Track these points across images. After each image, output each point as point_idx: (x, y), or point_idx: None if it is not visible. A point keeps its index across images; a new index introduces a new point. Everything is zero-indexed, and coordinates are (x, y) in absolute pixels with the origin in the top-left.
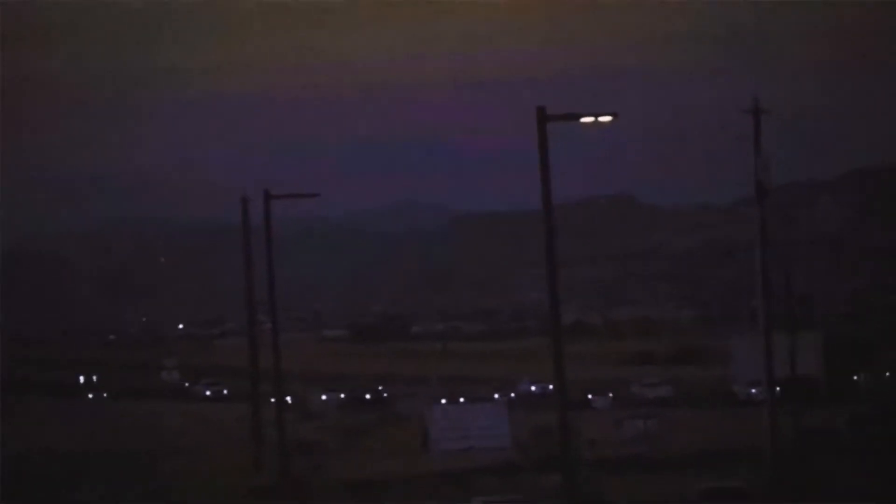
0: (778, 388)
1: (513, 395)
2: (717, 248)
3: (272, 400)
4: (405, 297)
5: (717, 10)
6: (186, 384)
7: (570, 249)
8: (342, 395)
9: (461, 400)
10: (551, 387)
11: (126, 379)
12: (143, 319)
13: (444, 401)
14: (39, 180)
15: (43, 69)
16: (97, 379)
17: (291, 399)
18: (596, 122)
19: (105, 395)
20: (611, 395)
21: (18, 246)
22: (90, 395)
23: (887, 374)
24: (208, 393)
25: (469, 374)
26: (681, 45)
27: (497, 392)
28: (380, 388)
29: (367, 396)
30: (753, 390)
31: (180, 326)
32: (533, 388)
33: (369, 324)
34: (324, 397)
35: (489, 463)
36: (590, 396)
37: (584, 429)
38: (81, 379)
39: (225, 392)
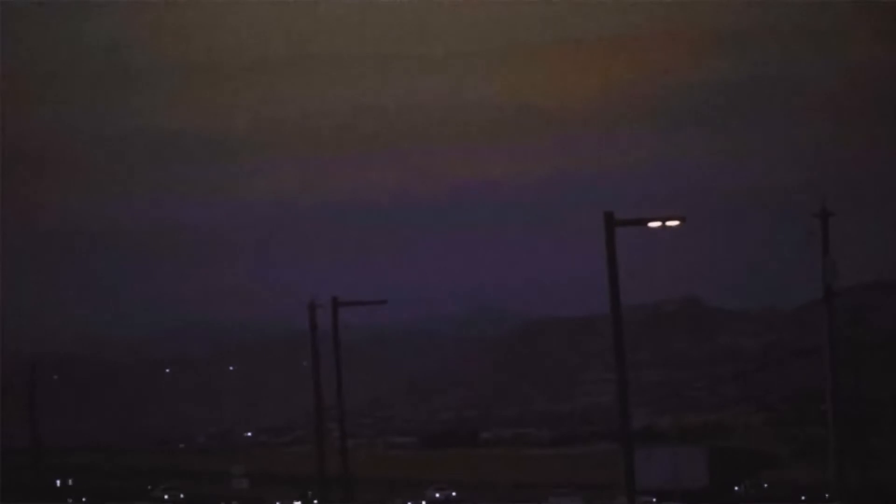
0: (654, 500)
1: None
2: (786, 349)
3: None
4: (475, 404)
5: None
6: (148, 487)
7: (640, 353)
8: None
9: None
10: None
11: (193, 486)
12: (211, 429)
13: None
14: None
15: None
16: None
17: None
18: (664, 226)
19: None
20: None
21: (91, 351)
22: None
23: (765, 485)
24: (166, 497)
25: (535, 480)
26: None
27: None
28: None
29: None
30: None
31: (248, 434)
32: (437, 494)
33: (438, 430)
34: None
35: None
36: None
37: None
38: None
39: (181, 496)
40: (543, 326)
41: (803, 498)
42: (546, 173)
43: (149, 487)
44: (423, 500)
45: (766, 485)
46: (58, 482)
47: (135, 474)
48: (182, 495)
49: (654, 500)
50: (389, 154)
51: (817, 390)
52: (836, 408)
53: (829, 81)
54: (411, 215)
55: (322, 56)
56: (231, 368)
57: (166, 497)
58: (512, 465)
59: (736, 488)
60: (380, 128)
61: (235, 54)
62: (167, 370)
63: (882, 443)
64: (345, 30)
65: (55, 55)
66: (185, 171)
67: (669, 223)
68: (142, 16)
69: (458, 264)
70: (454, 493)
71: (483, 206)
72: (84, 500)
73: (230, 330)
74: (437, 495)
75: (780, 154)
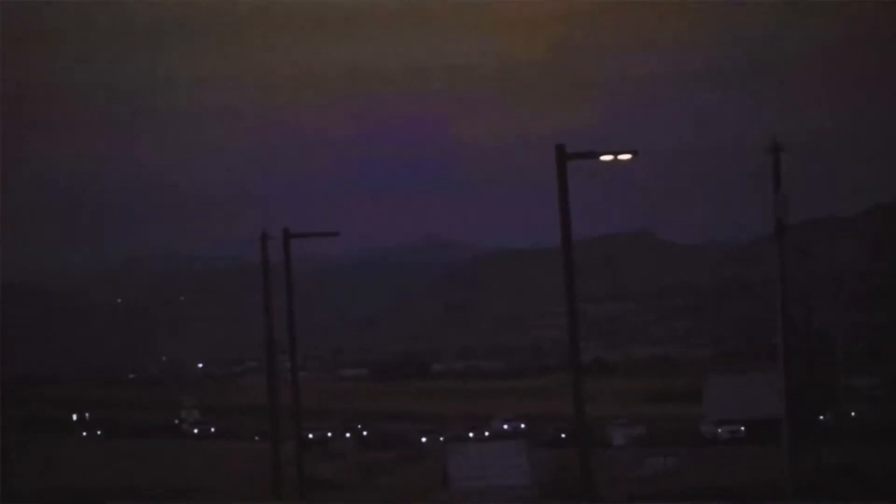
0: (742, 429)
1: (486, 433)
2: (737, 285)
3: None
4: (425, 335)
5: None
6: (176, 421)
7: (591, 287)
8: (364, 434)
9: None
10: (522, 425)
11: (145, 418)
12: (163, 358)
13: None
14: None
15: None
16: (113, 417)
17: (312, 437)
18: (615, 159)
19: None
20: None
21: (28, 281)
22: (98, 433)
23: (852, 413)
24: (196, 431)
25: (488, 413)
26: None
27: (471, 430)
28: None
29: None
30: (720, 430)
31: (200, 365)
32: (505, 426)
33: (389, 362)
34: (347, 435)
35: (508, 501)
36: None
37: (605, 466)
38: (81, 417)
39: (213, 430)
40: (495, 258)
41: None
42: (513, 127)
43: (176, 421)
44: (488, 430)
45: (853, 413)
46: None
47: (83, 406)
48: (213, 429)
49: (742, 428)
50: (365, 101)
51: (768, 324)
52: (787, 342)
53: (813, 40)
54: (374, 159)
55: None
56: (182, 298)
57: (196, 431)
58: (463, 396)
59: (821, 417)
60: (347, 77)
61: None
62: (118, 300)
63: (831, 375)
64: None
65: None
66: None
67: (622, 157)
68: None
69: (414, 202)
70: (522, 426)
71: (452, 158)
72: (98, 433)
73: (185, 260)
74: (505, 426)
75: (752, 108)
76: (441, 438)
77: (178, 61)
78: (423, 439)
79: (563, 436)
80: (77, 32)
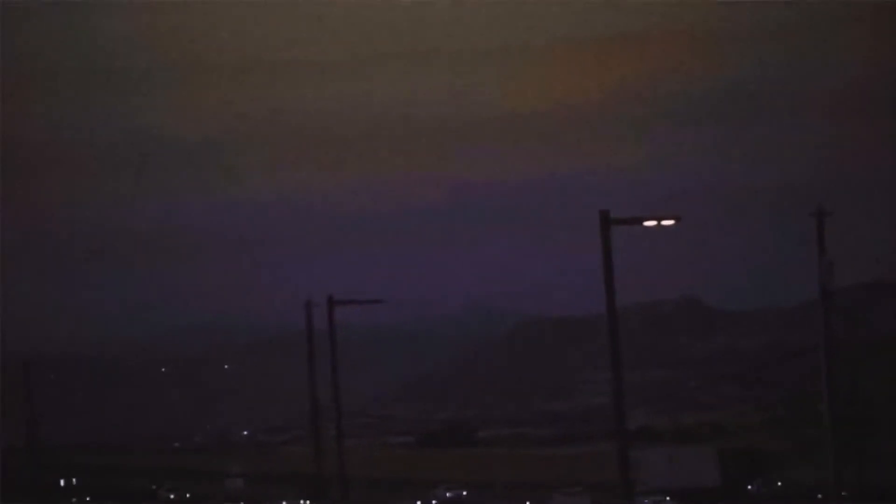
0: (668, 499)
1: (434, 502)
2: (784, 349)
3: None
4: (472, 403)
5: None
6: (153, 487)
7: (637, 353)
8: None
9: None
10: (465, 493)
11: (190, 485)
12: (208, 427)
13: None
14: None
15: None
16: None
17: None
18: (659, 225)
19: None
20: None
21: (91, 352)
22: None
23: (779, 483)
24: (171, 497)
25: (535, 479)
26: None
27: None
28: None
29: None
30: (645, 501)
31: (245, 433)
32: (448, 494)
33: (435, 430)
34: None
35: None
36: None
37: None
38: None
39: (188, 496)
40: (541, 326)
41: (819, 496)
42: (544, 175)
43: (153, 487)
44: (433, 499)
45: (779, 483)
46: (62, 482)
47: (132, 474)
48: (188, 495)
49: (668, 499)
50: (385, 155)
51: (815, 391)
52: (832, 408)
53: (830, 81)
54: (410, 216)
55: (318, 57)
56: (226, 367)
57: (171, 497)
58: (510, 464)
59: (749, 487)
60: (374, 128)
61: (230, 56)
62: (163, 369)
63: (880, 443)
64: (340, 30)
65: (54, 53)
66: (182, 171)
67: (665, 222)
68: (140, 17)
69: (455, 264)
70: (465, 493)
71: (481, 208)
72: (88, 499)
73: (229, 329)
74: (448, 494)
75: (780, 154)
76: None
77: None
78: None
79: None
80: (88, 74)
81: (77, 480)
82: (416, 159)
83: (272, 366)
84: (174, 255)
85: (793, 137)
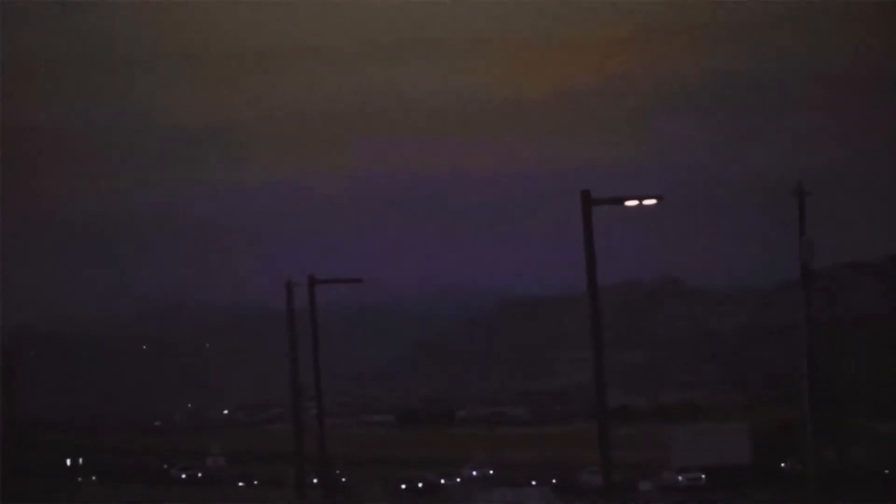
0: (703, 476)
1: (458, 479)
2: (764, 330)
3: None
4: (451, 382)
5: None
6: (164, 466)
7: (617, 333)
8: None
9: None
10: (491, 472)
11: (149, 463)
12: (189, 406)
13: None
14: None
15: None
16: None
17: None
18: (640, 205)
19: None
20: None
21: (73, 330)
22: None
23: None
24: (183, 476)
25: (513, 459)
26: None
27: (443, 477)
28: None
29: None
30: (679, 477)
31: (225, 412)
32: (474, 472)
33: (414, 408)
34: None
35: None
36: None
37: None
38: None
39: (199, 475)
40: (521, 306)
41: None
42: (532, 165)
43: (165, 466)
44: (459, 477)
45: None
46: (68, 461)
47: (106, 453)
48: (200, 474)
49: (703, 476)
50: (378, 143)
51: (794, 370)
52: (812, 387)
53: (823, 75)
54: (394, 200)
55: (316, 48)
56: (207, 346)
57: (184, 476)
58: (489, 443)
59: (783, 465)
60: (368, 117)
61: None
62: (144, 347)
63: (859, 422)
64: (338, 23)
65: (59, 47)
66: (184, 160)
67: (646, 202)
68: (144, 10)
69: (438, 248)
70: (491, 472)
71: (469, 196)
72: (93, 478)
73: (212, 310)
74: (475, 473)
75: (767, 144)
76: (442, 480)
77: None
78: (442, 480)
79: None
80: (86, 63)
81: (61, 458)
82: (412, 149)
83: (253, 345)
84: (163, 238)
85: (782, 125)
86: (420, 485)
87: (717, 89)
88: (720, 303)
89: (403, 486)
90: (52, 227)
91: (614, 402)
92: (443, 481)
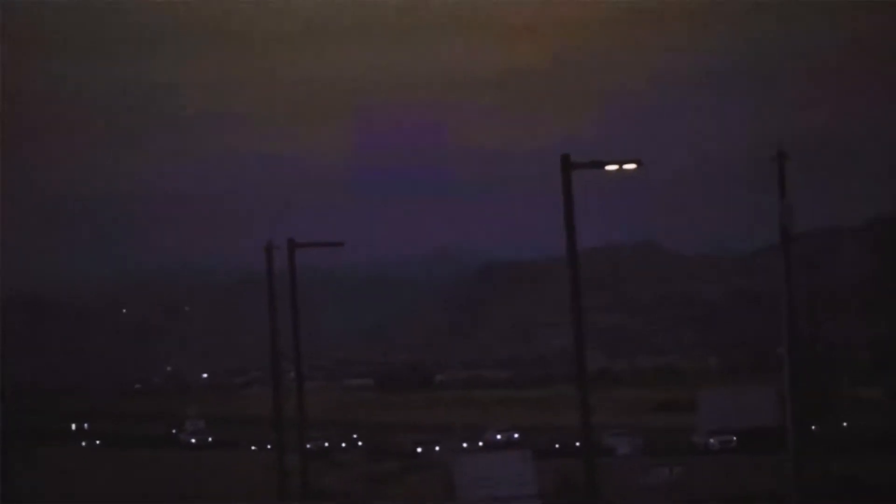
0: (734, 438)
1: (480, 443)
2: (743, 295)
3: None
4: (429, 346)
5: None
6: (173, 431)
7: (595, 297)
8: (365, 444)
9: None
10: (516, 435)
11: (150, 428)
12: (168, 369)
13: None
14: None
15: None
16: (117, 428)
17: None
18: (620, 169)
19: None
20: (633, 439)
21: (32, 291)
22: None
23: (844, 423)
24: (193, 441)
25: (492, 423)
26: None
27: (465, 441)
28: (405, 436)
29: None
30: (711, 440)
31: (204, 376)
32: (498, 436)
33: (394, 373)
34: (343, 445)
35: None
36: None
37: (609, 476)
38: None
39: (210, 439)
40: (501, 269)
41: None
42: (519, 134)
43: (173, 431)
44: (482, 441)
45: (844, 423)
46: (73, 426)
47: (91, 417)
48: (210, 439)
49: (734, 438)
50: (374, 114)
51: (774, 335)
52: (791, 352)
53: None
54: (377, 169)
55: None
56: (187, 309)
57: (193, 441)
58: (467, 406)
59: (814, 428)
60: (359, 90)
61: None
62: (123, 311)
63: (839, 388)
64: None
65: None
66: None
67: (626, 166)
68: None
69: (417, 211)
70: (516, 435)
71: (455, 167)
72: (98, 442)
73: (191, 273)
74: (499, 437)
75: (756, 116)
76: (437, 448)
77: (183, 66)
78: (419, 449)
79: (556, 446)
80: (80, 36)
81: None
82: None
83: (232, 309)
84: (154, 212)
85: (773, 99)
86: (437, 448)
87: (709, 65)
88: (699, 267)
89: (419, 450)
90: (43, 198)
91: (594, 366)
92: (465, 445)
